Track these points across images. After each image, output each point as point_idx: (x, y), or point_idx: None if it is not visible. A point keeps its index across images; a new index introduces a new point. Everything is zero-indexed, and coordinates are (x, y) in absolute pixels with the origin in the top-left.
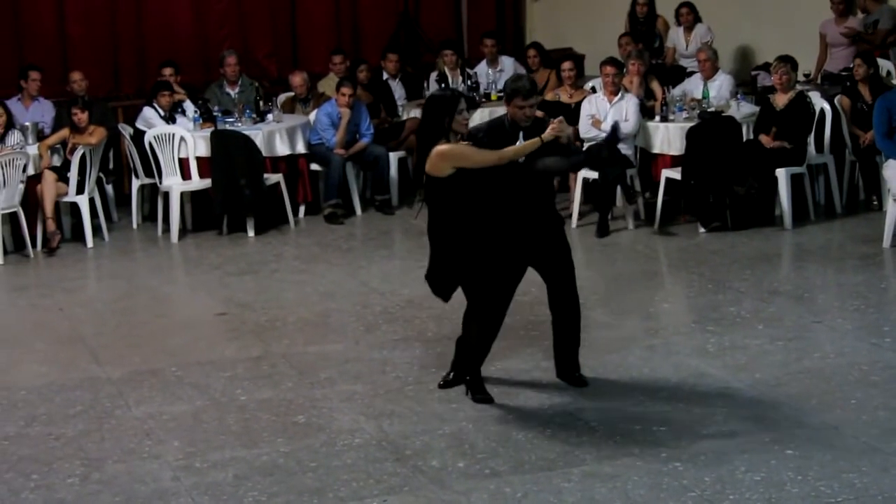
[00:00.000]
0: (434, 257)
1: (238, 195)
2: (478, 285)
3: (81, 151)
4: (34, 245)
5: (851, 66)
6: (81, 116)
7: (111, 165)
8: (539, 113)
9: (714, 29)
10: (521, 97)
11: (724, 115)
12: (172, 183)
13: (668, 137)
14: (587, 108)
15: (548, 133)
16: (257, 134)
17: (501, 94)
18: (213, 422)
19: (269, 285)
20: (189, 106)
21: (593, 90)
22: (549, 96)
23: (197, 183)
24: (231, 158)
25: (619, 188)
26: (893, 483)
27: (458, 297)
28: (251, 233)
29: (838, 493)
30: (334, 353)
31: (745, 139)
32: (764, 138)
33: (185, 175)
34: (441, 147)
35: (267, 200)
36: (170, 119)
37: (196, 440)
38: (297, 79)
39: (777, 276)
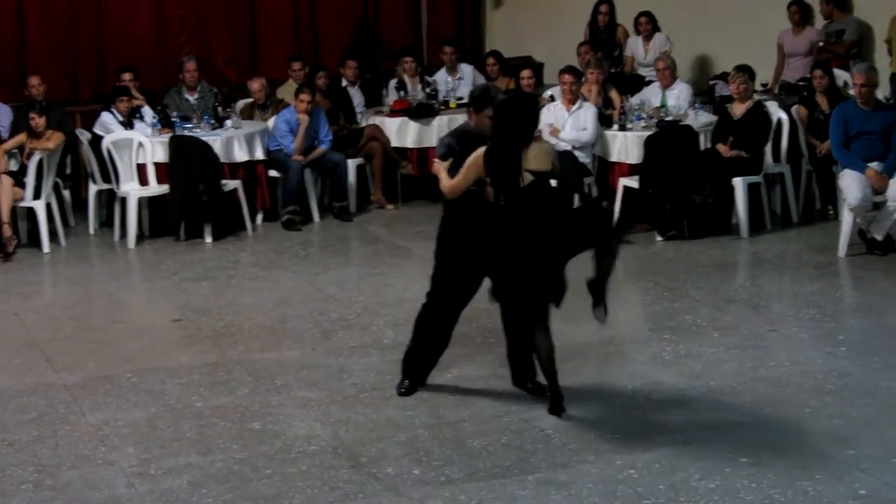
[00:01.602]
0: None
1: (196, 201)
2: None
3: (39, 156)
4: None
5: (808, 76)
6: (39, 121)
7: (68, 170)
8: None
9: (672, 38)
10: (493, 108)
11: (681, 124)
12: (130, 188)
13: (625, 146)
14: (546, 117)
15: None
16: (216, 140)
17: (461, 101)
18: (169, 428)
19: (225, 291)
20: (147, 111)
21: (552, 98)
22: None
23: (155, 188)
24: (189, 164)
25: (576, 196)
26: (847, 491)
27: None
28: (209, 239)
29: (792, 501)
30: (290, 359)
31: (702, 148)
32: (721, 147)
33: (143, 181)
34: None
35: (225, 206)
36: (128, 124)
37: (151, 446)
38: (256, 85)
39: (733, 284)
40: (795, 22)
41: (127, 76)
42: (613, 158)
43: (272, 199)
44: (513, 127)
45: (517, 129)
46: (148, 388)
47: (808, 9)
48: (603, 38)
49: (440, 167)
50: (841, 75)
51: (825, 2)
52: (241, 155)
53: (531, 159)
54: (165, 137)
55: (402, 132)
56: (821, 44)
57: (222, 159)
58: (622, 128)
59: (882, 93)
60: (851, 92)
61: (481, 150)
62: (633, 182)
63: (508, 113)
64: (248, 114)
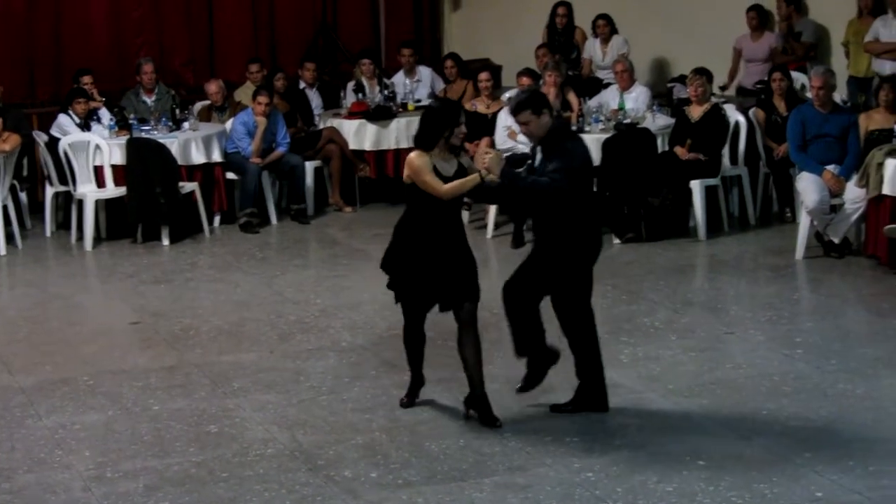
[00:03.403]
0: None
1: (153, 203)
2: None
3: None
4: None
5: (766, 79)
6: None
7: (25, 172)
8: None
9: (630, 41)
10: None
11: (639, 126)
12: (87, 191)
13: None
14: (504, 119)
15: (489, 174)
16: (173, 142)
17: (419, 103)
18: (125, 431)
19: (183, 294)
20: (105, 113)
21: (510, 101)
22: (466, 107)
23: (112, 191)
24: (146, 167)
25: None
26: (804, 493)
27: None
28: (166, 241)
29: (750, 503)
30: (248, 362)
31: (660, 151)
32: (679, 150)
33: (100, 183)
34: (412, 155)
35: (182, 209)
36: (85, 126)
37: (108, 450)
38: (213, 87)
39: (691, 287)
40: (753, 27)
41: (86, 79)
42: None
43: (229, 201)
44: (422, 133)
45: (425, 135)
46: (105, 392)
47: (767, 14)
48: (561, 41)
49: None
50: (798, 78)
51: (784, 3)
52: (198, 157)
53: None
54: (122, 140)
55: (360, 134)
56: (779, 48)
57: (180, 161)
58: (580, 130)
59: (839, 96)
60: (809, 95)
61: None
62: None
63: (423, 120)
64: (205, 116)
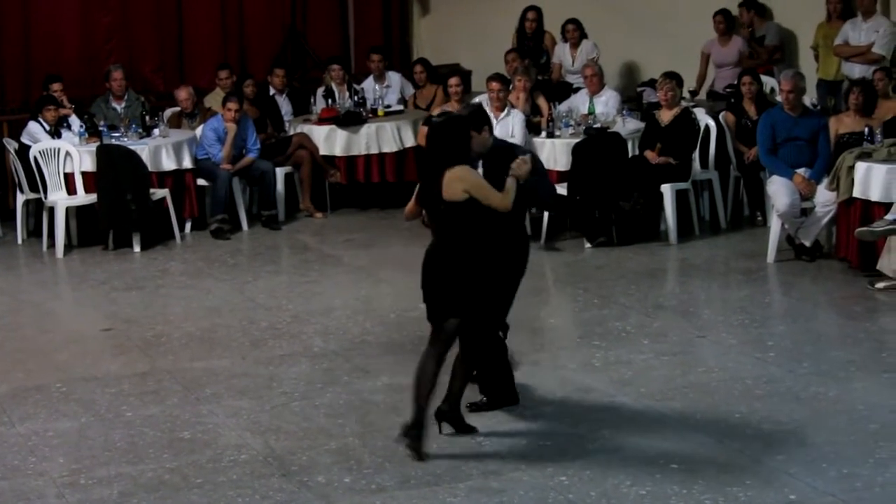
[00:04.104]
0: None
1: (124, 210)
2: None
3: None
4: None
5: (736, 83)
6: None
7: None
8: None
9: (600, 45)
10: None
11: (609, 131)
12: (58, 198)
13: (553, 153)
14: None
15: (522, 173)
16: (143, 149)
17: (389, 109)
18: (99, 438)
19: (155, 300)
20: (75, 120)
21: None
22: (435, 112)
23: (82, 198)
24: (117, 173)
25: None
26: (777, 496)
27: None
28: (137, 248)
29: None
30: (220, 368)
31: (630, 155)
32: (649, 154)
33: (71, 190)
34: (463, 171)
35: (153, 215)
36: (55, 133)
37: (81, 457)
38: (183, 93)
39: (662, 291)
40: (721, 31)
41: (56, 86)
42: None
43: (200, 207)
44: (440, 151)
45: (444, 153)
46: (78, 398)
47: (734, 19)
48: (530, 46)
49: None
50: (768, 81)
51: (745, 9)
52: (168, 164)
53: (444, 187)
54: (93, 146)
55: (330, 140)
56: (747, 52)
57: (150, 168)
58: (550, 135)
59: (809, 99)
60: (778, 98)
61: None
62: (561, 189)
63: (437, 137)
64: (175, 122)
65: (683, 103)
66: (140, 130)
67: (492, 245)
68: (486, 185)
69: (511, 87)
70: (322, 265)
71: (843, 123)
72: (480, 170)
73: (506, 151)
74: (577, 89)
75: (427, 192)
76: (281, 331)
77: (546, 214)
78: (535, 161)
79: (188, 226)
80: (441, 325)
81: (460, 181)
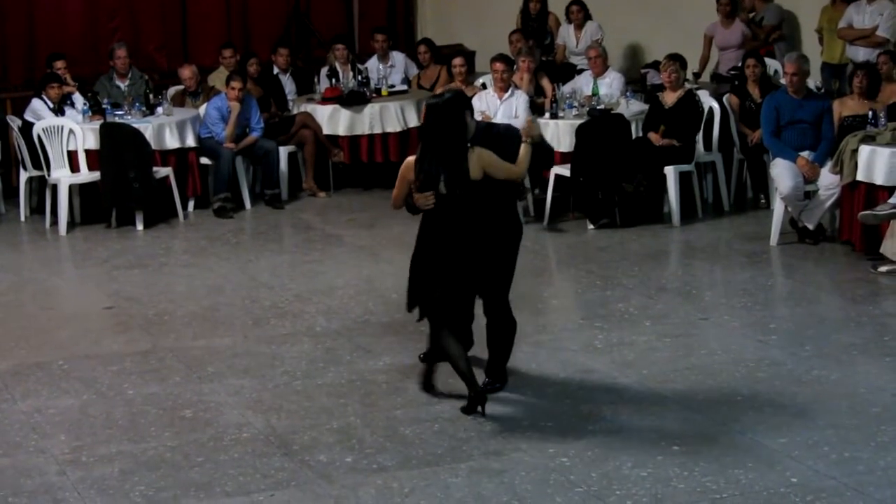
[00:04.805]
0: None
1: (127, 188)
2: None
3: None
4: None
5: (740, 65)
6: None
7: None
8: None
9: (604, 27)
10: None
11: (613, 112)
12: (61, 175)
13: (557, 134)
14: (477, 105)
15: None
16: (147, 127)
17: (392, 89)
18: (100, 416)
19: (157, 279)
20: (78, 98)
21: (483, 86)
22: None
23: (86, 175)
24: (120, 151)
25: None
26: (779, 478)
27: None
28: (140, 226)
29: (724, 489)
30: (222, 347)
31: (633, 137)
32: (653, 136)
33: (74, 168)
34: (479, 150)
35: (156, 194)
36: (58, 111)
37: (83, 434)
38: (187, 72)
39: (665, 273)
40: (726, 14)
41: (59, 64)
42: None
43: (203, 186)
44: (440, 130)
45: (444, 131)
46: (79, 376)
47: (737, 2)
48: (534, 27)
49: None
50: (771, 64)
51: None
52: (172, 142)
53: (471, 167)
54: (96, 124)
55: (333, 120)
56: (747, 32)
57: (153, 146)
58: (554, 116)
59: (813, 82)
60: (782, 81)
61: (411, 157)
62: (564, 170)
63: (436, 116)
64: (179, 101)
65: (687, 85)
66: (143, 108)
67: (495, 223)
68: (499, 160)
69: (515, 67)
70: (325, 245)
71: (846, 106)
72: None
73: (489, 131)
74: (581, 70)
75: (433, 175)
76: (283, 310)
77: (549, 196)
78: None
79: (191, 204)
80: (463, 304)
81: (479, 160)
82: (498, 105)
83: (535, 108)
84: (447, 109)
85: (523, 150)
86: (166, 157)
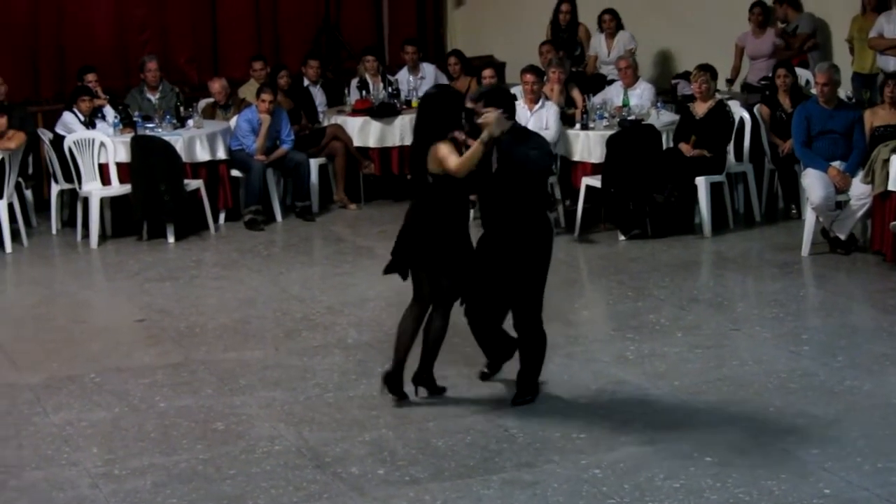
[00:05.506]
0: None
1: (158, 201)
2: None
3: (0, 156)
4: None
5: (771, 75)
6: (0, 121)
7: (30, 170)
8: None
9: (634, 37)
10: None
11: (643, 123)
12: (92, 188)
13: (588, 145)
14: None
15: (488, 122)
16: (177, 140)
17: None
18: (132, 429)
19: (188, 292)
20: (109, 111)
21: (514, 98)
22: (469, 104)
23: (117, 188)
24: (151, 164)
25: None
26: (812, 490)
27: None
28: (171, 239)
29: (757, 501)
30: (254, 359)
31: (664, 147)
32: (683, 146)
33: (105, 180)
34: (436, 146)
35: (187, 206)
36: (90, 124)
37: (115, 447)
38: (217, 85)
39: (696, 283)
40: (758, 23)
41: (91, 77)
42: (576, 158)
43: (234, 198)
44: (429, 122)
45: (433, 124)
46: (111, 389)
47: (770, 11)
48: (564, 37)
49: None
50: (802, 74)
51: (779, 4)
52: (203, 155)
53: (430, 159)
54: (127, 137)
55: (364, 132)
56: (778, 42)
57: (184, 159)
58: (584, 127)
59: (844, 92)
60: (813, 91)
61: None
62: (595, 181)
63: (427, 107)
64: (209, 113)
65: (718, 95)
66: (174, 121)
67: (460, 218)
68: (448, 154)
69: (545, 79)
70: (356, 257)
71: (878, 116)
72: (496, 154)
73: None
74: (612, 81)
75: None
76: (315, 322)
77: (580, 207)
78: (536, 137)
79: (222, 217)
80: (418, 284)
81: (433, 152)
82: (529, 116)
83: (566, 120)
84: (428, 101)
85: (473, 147)
86: (197, 169)
